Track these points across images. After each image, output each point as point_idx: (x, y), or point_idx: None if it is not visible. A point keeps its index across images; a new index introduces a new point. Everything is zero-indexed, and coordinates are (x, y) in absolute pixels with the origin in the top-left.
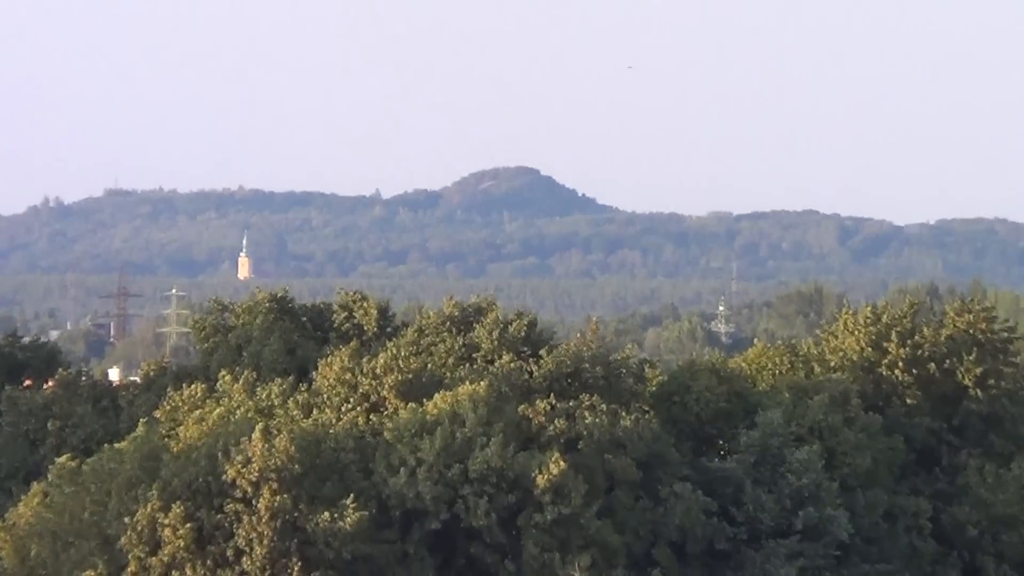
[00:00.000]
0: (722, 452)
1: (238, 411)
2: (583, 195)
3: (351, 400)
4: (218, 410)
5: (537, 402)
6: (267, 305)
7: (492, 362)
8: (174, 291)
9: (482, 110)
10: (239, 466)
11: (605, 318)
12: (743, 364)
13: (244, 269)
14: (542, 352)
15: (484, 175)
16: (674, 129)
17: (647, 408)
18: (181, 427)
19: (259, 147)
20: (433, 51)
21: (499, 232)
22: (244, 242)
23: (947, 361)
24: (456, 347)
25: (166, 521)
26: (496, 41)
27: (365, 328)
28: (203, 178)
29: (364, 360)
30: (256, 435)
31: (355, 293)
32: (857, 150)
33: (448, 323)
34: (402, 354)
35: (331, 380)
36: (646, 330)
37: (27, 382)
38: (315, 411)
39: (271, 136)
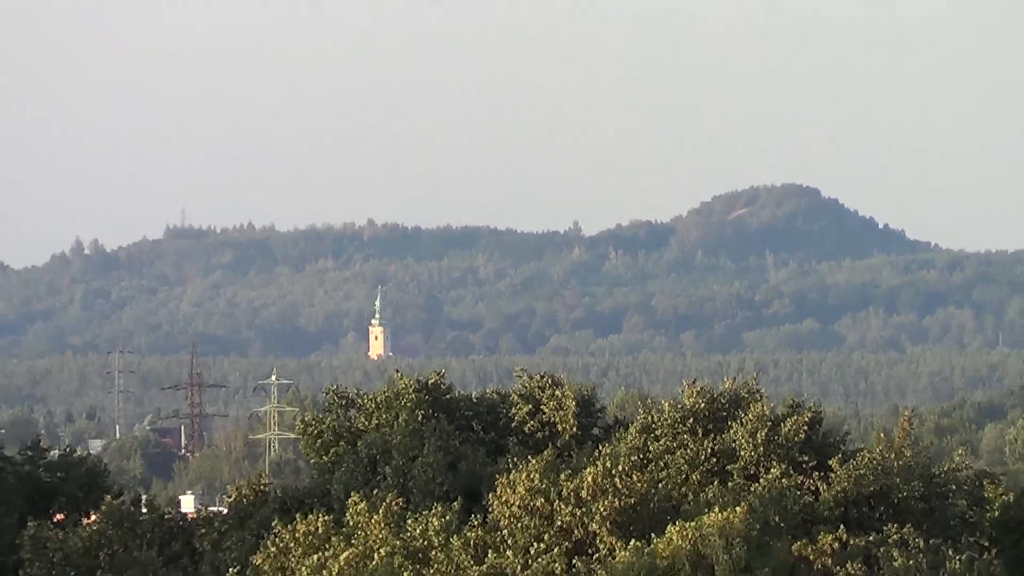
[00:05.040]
0: None
1: (377, 553)
2: (885, 226)
3: (544, 537)
4: (347, 553)
5: (821, 536)
6: (413, 397)
7: (755, 477)
8: (274, 378)
9: (730, 110)
10: None
11: (921, 409)
12: None
13: (378, 343)
14: (832, 462)
15: (736, 198)
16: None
17: (985, 544)
18: None
19: (393, 164)
20: (652, 34)
21: (759, 283)
22: (377, 304)
23: None
24: (702, 456)
25: None
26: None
27: (560, 429)
28: (311, 210)
29: (562, 477)
30: None
31: (544, 377)
32: None
33: (690, 420)
34: (620, 468)
35: (514, 508)
36: (982, 426)
37: (58, 516)
38: (491, 553)
39: (411, 153)
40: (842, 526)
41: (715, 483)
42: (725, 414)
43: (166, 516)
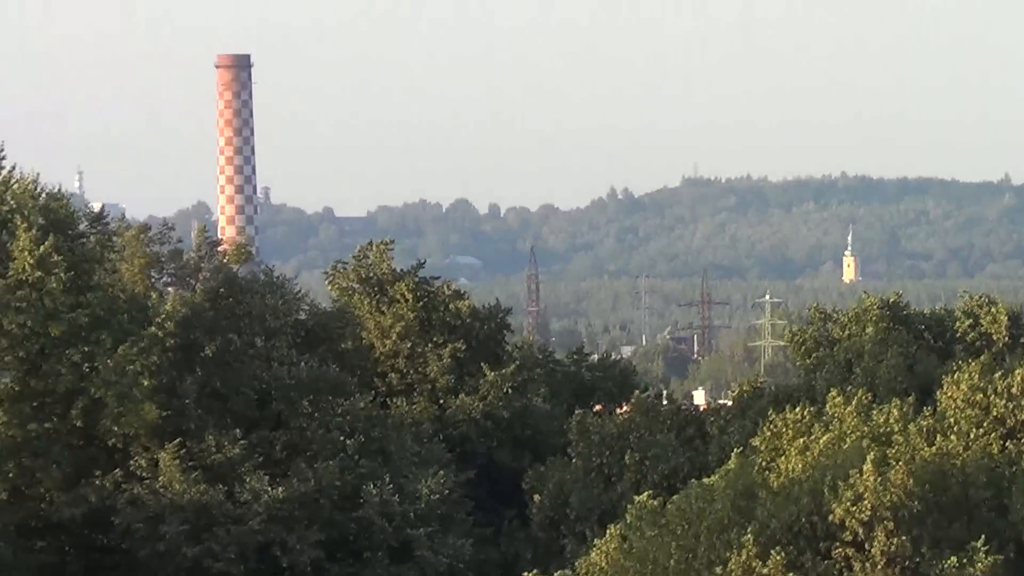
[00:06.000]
0: None
1: (849, 437)
2: None
3: (982, 425)
4: (826, 436)
5: None
6: (877, 312)
7: None
8: (767, 297)
9: None
10: (848, 504)
11: None
12: None
13: (850, 270)
14: None
15: None
16: None
17: None
18: (781, 458)
19: (864, 126)
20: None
21: None
22: (849, 239)
23: None
24: None
25: (764, 570)
26: None
27: (995, 339)
28: (798, 164)
29: (997, 377)
30: (867, 467)
31: (981, 297)
32: None
33: None
34: None
35: (958, 401)
36: None
37: (597, 407)
38: (939, 437)
39: (878, 112)
40: None
41: None
42: None
43: (682, 407)
